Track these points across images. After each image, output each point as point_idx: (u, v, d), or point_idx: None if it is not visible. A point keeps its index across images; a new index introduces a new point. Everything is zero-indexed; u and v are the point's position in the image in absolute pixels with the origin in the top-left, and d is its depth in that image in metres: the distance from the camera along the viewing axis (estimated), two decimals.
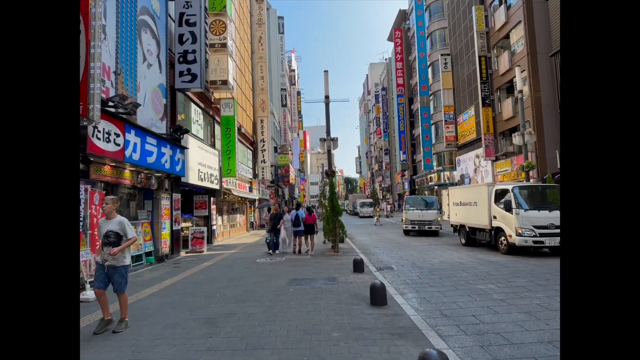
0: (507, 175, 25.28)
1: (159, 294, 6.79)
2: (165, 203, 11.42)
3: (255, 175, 26.12)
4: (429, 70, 41.76)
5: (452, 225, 14.36)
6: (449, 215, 14.52)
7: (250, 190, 24.18)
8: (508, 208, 10.01)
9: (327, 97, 13.48)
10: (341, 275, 8.03)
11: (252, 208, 25.90)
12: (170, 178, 11.65)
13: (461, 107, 33.32)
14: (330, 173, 12.71)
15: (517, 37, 24.53)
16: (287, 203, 41.92)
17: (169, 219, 11.67)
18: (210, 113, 17.23)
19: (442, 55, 35.99)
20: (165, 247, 11.37)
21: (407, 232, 18.34)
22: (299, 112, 70.51)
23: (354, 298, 6.04)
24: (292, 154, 52.83)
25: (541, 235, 9.58)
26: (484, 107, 27.33)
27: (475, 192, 12.20)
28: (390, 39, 60.12)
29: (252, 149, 26.00)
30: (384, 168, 64.65)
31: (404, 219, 18.40)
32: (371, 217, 42.14)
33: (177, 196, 12.69)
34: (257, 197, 26.17)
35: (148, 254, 10.46)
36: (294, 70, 64.83)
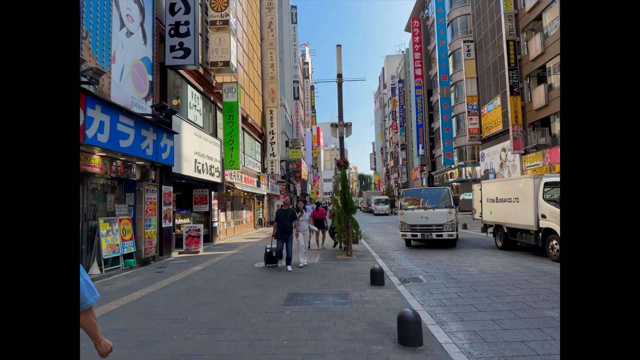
0: (537, 170, 22.95)
1: (113, 315, 5.16)
2: (151, 197, 9.84)
3: (264, 170, 24.52)
4: (450, 59, 39.39)
5: (485, 225, 12.37)
6: (481, 213, 12.52)
7: (258, 185, 22.58)
8: None
9: (339, 75, 11.67)
10: (355, 290, 6.26)
11: (261, 204, 24.31)
12: (156, 167, 10.07)
13: (486, 98, 30.98)
14: (342, 163, 10.92)
15: (552, 18, 22.14)
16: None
17: (155, 215, 10.10)
18: (212, 99, 15.64)
19: (464, 42, 33.63)
20: (150, 248, 9.81)
21: (408, 243, 12.77)
22: (313, 107, 68.80)
23: (373, 330, 4.27)
24: (304, 149, 51.16)
25: None
26: (512, 95, 25.02)
27: (516, 186, 10.21)
28: (407, 29, 57.72)
29: (260, 141, 24.39)
30: (400, 164, 62.38)
31: (400, 223, 12.43)
32: (387, 214, 40.20)
33: (167, 189, 11.11)
34: (266, 193, 24.56)
35: (128, 255, 8.90)
36: (307, 63, 63.02)
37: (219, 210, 16.16)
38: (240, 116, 16.15)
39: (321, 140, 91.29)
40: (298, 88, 44.51)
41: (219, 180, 14.90)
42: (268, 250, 8.86)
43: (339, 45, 11.96)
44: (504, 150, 28.09)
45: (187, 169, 12.03)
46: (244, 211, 20.99)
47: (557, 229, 8.25)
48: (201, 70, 14.08)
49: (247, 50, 22.13)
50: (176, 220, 13.34)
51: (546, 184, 8.94)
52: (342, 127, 11.24)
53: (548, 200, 8.76)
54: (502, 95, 27.58)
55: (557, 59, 21.47)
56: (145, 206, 9.57)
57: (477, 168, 35.11)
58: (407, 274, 7.88)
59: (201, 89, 14.46)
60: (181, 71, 12.61)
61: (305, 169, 48.35)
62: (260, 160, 24.02)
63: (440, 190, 12.88)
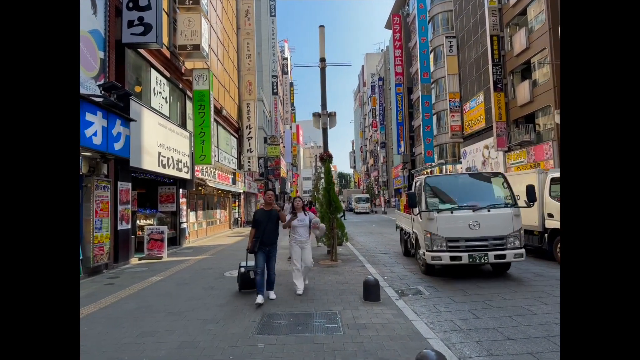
0: (522, 167, 22.50)
1: None
2: (102, 194, 8.35)
3: (240, 166, 23.05)
4: (431, 56, 38.87)
5: None
6: None
7: (234, 182, 21.11)
8: None
9: (322, 59, 10.48)
10: (346, 308, 5.09)
11: (237, 203, 22.83)
12: (107, 160, 8.59)
13: (468, 94, 30.50)
14: (325, 157, 9.74)
15: (536, 12, 21.68)
16: (279, 198, 38.85)
17: (108, 216, 8.61)
18: (180, 86, 14.13)
19: (447, 37, 33.11)
20: (101, 254, 8.33)
21: (431, 269, 7.28)
22: (292, 104, 67.42)
23: None
24: (283, 146, 49.79)
25: None
26: (496, 92, 24.50)
27: (518, 182, 9.29)
28: (388, 26, 57.15)
29: (236, 136, 22.90)
30: (380, 162, 61.88)
31: (426, 234, 6.98)
32: (367, 213, 39.36)
33: (124, 185, 9.62)
34: (242, 190, 23.11)
35: None
36: (286, 59, 61.51)
37: (189, 210, 14.67)
38: (212, 107, 14.71)
39: (300, 138, 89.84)
40: (277, 83, 43.05)
41: (187, 176, 13.43)
42: (242, 269, 6.15)
43: (321, 26, 10.76)
44: (486, 147, 27.64)
45: (149, 163, 10.55)
46: (218, 210, 19.50)
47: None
48: (167, 54, 12.59)
49: (221, 38, 20.61)
50: (138, 222, 11.81)
51: (553, 180, 8.03)
52: (325, 117, 10.05)
53: (555, 198, 7.87)
54: (485, 92, 27.10)
55: (542, 54, 21.03)
56: (94, 205, 8.08)
57: (458, 166, 34.72)
58: (403, 283, 6.77)
59: (168, 74, 12.95)
60: (143, 52, 11.10)
61: (284, 167, 46.96)
62: (236, 156, 22.54)
63: (490, 178, 7.71)
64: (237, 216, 22.40)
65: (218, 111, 18.08)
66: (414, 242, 8.34)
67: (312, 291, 6.07)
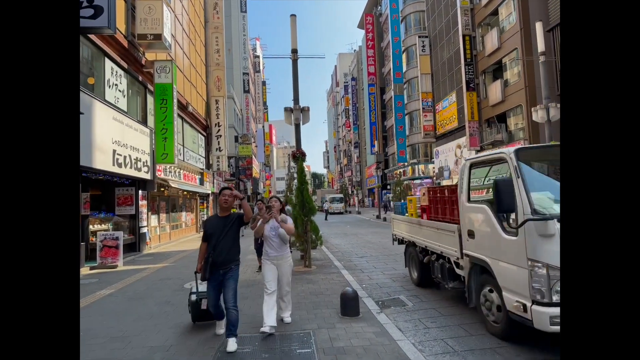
0: None
1: None
2: None
3: (208, 166, 21.94)
4: (404, 56, 38.96)
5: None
6: None
7: (202, 182, 20.00)
8: None
9: (294, 51, 9.78)
10: (321, 326, 4.42)
11: (205, 204, 21.70)
12: None
13: (440, 94, 30.67)
14: (298, 155, 9.04)
15: (507, 12, 21.89)
16: (251, 199, 37.70)
17: None
18: (140, 79, 13.02)
19: (419, 37, 33.17)
20: None
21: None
22: (265, 103, 66.19)
23: None
24: (256, 145, 48.63)
25: None
26: (469, 91, 24.61)
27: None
28: (360, 26, 57.16)
29: (204, 134, 21.77)
30: (354, 162, 61.81)
31: (508, 261, 3.65)
32: (341, 213, 38.93)
33: None
34: (211, 191, 22.00)
35: None
36: (258, 57, 60.29)
37: (150, 213, 13.57)
38: (176, 101, 13.68)
39: (274, 138, 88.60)
40: (248, 81, 41.89)
41: (148, 176, 12.36)
42: (194, 297, 4.59)
43: (292, 15, 10.07)
44: (459, 147, 27.81)
45: (102, 162, 9.49)
46: (184, 213, 18.36)
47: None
48: (125, 43, 11.51)
49: (188, 31, 19.48)
50: (91, 227, 10.67)
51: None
52: (298, 112, 9.36)
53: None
54: (457, 92, 27.26)
55: (513, 54, 21.23)
56: None
57: (431, 166, 34.93)
58: (383, 292, 6.18)
59: (125, 65, 11.85)
60: (96, 39, 10.02)
61: (256, 167, 45.85)
62: (204, 155, 21.42)
63: None
64: (205, 218, 21.29)
65: (184, 107, 17.00)
66: (452, 268, 4.96)
67: None
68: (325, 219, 30.29)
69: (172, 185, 14.97)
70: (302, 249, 8.62)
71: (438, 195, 5.71)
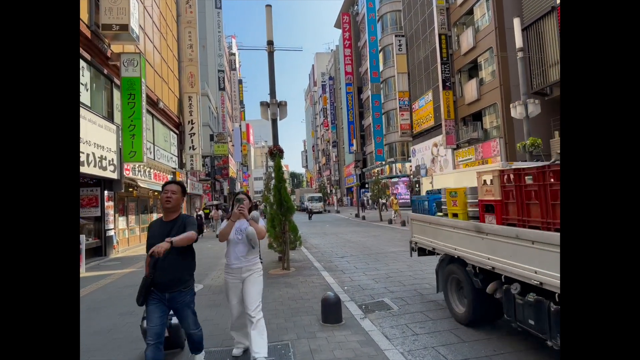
0: (470, 164, 22.91)
1: None
2: None
3: (181, 165, 21.10)
4: (380, 55, 39.06)
5: None
6: None
7: None
8: None
9: (270, 42, 9.33)
10: (301, 335, 4.03)
11: None
12: None
13: (417, 93, 30.84)
14: (275, 151, 8.61)
15: (482, 12, 22.14)
16: (227, 200, 36.74)
17: None
18: (106, 72, 12.22)
19: (396, 36, 33.28)
20: None
21: None
22: (241, 101, 65.10)
23: None
24: (232, 145, 47.63)
25: None
26: (445, 90, 24.78)
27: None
28: (337, 25, 57.11)
29: (177, 132, 20.92)
30: (332, 161, 61.68)
31: None
32: (320, 212, 38.59)
33: None
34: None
35: None
36: (234, 54, 59.14)
37: (117, 215, 12.77)
38: (145, 96, 12.93)
39: (251, 138, 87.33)
40: (224, 78, 40.89)
41: (114, 175, 11.59)
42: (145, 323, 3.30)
43: (268, 6, 9.61)
44: (435, 145, 28.04)
45: None
46: (155, 214, 17.52)
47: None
48: (88, 33, 10.72)
49: (158, 24, 18.63)
50: None
51: None
52: (274, 107, 8.92)
53: None
54: (433, 90, 27.45)
55: (488, 54, 21.49)
56: None
57: (407, 164, 35.18)
58: (367, 295, 5.83)
59: (88, 57, 11.04)
60: None
61: (233, 166, 44.90)
62: (177, 154, 20.58)
63: None
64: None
65: (154, 103, 16.19)
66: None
67: None
68: (310, 218, 29.79)
69: (141, 185, 14.18)
70: (280, 250, 8.19)
71: (524, 183, 3.21)
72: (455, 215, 4.19)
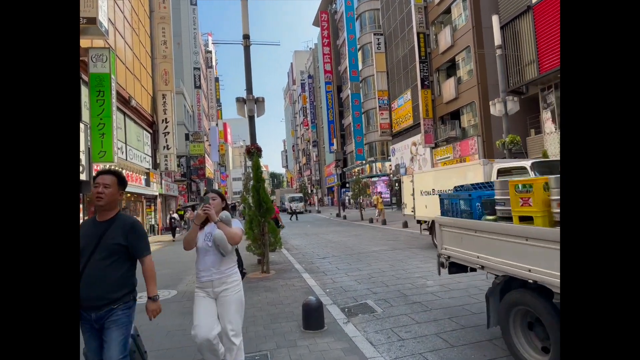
0: (448, 163, 23.12)
1: None
2: None
3: (155, 165, 20.38)
4: (359, 54, 39.06)
5: (419, 222, 10.87)
6: (413, 208, 11.00)
7: (148, 183, 18.47)
8: None
9: (246, 36, 8.99)
10: (280, 345, 3.76)
11: (152, 207, 20.15)
12: None
13: (396, 92, 30.97)
14: (253, 150, 8.28)
15: (460, 11, 22.37)
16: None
17: None
18: None
19: (374, 34, 33.33)
20: None
21: None
22: (218, 100, 64.01)
23: None
24: (209, 144, 46.70)
25: None
26: (423, 89, 24.94)
27: (461, 175, 8.74)
28: (316, 23, 56.80)
29: (150, 131, 20.20)
30: (312, 160, 61.43)
31: None
32: (301, 212, 38.29)
33: None
34: (159, 193, 20.47)
35: None
36: (210, 52, 58.01)
37: (88, 218, 12.11)
38: (115, 93, 12.32)
39: (229, 137, 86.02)
40: (200, 76, 39.97)
41: (83, 177, 10.95)
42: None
43: None
44: (414, 144, 28.22)
45: None
46: None
47: None
48: None
49: (130, 19, 17.90)
50: None
51: (500, 172, 7.50)
52: (251, 103, 8.59)
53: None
54: (412, 89, 27.60)
55: (465, 53, 21.73)
56: None
57: (387, 163, 35.34)
58: (349, 297, 5.60)
59: None
60: None
61: (210, 167, 44.00)
62: (150, 154, 19.86)
63: None
64: (152, 222, 19.75)
65: (126, 101, 15.52)
66: None
67: None
68: (297, 219, 29.25)
69: None
70: (259, 253, 7.87)
71: None
72: (524, 219, 2.82)
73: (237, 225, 2.93)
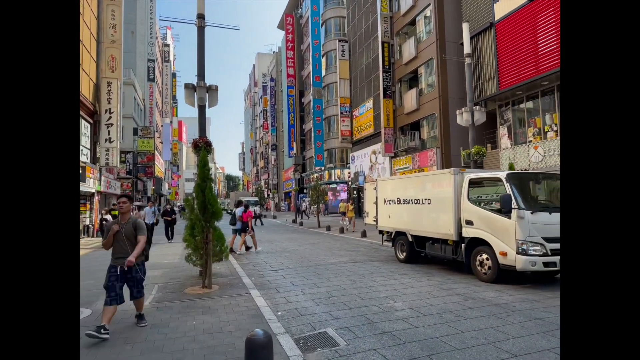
0: (407, 173, 23.05)
1: None
2: None
3: (95, 160, 18.32)
4: (323, 60, 38.68)
5: (380, 232, 10.22)
6: (375, 218, 10.35)
7: (83, 179, 16.45)
8: (507, 208, 6.05)
9: (200, 16, 7.91)
10: None
11: (88, 206, 18.02)
12: None
13: (358, 100, 30.79)
14: (201, 144, 7.19)
15: (424, 24, 22.53)
16: (157, 202, 33.32)
17: None
18: None
19: (339, 41, 33.09)
20: None
21: None
22: (174, 96, 60.95)
23: None
24: (160, 141, 43.99)
25: (553, 252, 5.91)
26: (385, 98, 24.85)
27: (427, 185, 8.19)
28: (280, 26, 55.99)
29: (90, 121, 18.15)
30: (271, 164, 60.04)
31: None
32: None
33: None
34: (96, 190, 18.39)
35: None
36: (168, 46, 55.17)
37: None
38: None
39: (184, 136, 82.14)
40: (154, 69, 37.53)
41: None
42: None
43: None
44: (374, 153, 28.07)
45: None
46: None
47: (492, 240, 6.36)
48: None
49: None
50: None
51: (471, 182, 7.02)
52: (202, 90, 7.50)
53: (475, 202, 6.86)
54: (374, 98, 27.50)
55: (428, 65, 21.86)
56: None
57: (346, 171, 35.05)
58: (305, 323, 4.69)
59: None
60: None
61: (161, 165, 41.35)
62: (89, 147, 17.81)
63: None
64: (87, 222, 17.62)
65: None
66: None
67: (156, 355, 3.55)
68: (262, 223, 27.15)
69: None
70: (200, 263, 6.74)
71: None
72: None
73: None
